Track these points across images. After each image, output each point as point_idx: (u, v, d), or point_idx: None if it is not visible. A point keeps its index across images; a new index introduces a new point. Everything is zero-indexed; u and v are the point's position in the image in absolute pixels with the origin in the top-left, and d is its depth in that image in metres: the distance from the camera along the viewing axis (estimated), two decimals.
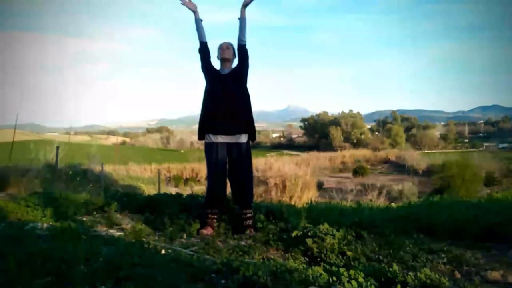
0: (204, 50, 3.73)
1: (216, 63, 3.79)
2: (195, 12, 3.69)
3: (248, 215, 3.67)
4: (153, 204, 4.10)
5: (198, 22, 3.69)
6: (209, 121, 3.66)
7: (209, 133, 3.65)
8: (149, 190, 14.89)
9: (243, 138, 3.66)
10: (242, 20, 3.66)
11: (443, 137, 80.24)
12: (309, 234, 2.93)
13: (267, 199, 14.34)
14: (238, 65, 3.74)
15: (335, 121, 72.61)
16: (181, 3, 3.68)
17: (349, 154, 52.39)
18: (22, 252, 1.95)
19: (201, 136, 3.75)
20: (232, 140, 3.63)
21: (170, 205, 3.94)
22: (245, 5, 3.67)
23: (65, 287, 1.65)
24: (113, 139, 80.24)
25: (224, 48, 3.73)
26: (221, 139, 3.62)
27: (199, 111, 3.78)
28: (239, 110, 3.64)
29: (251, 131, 3.72)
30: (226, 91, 3.62)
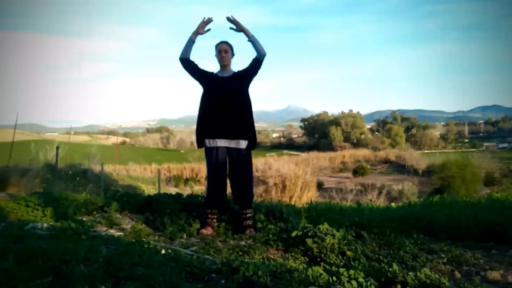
0: (188, 68, 3.69)
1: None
2: (197, 33, 3.66)
3: (248, 215, 3.67)
4: (153, 204, 4.09)
5: (191, 41, 3.67)
6: (208, 125, 3.62)
7: (208, 138, 3.63)
8: (149, 190, 14.89)
9: (243, 144, 3.63)
10: (252, 39, 3.64)
11: (443, 137, 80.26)
12: (309, 234, 2.93)
13: (267, 199, 14.34)
14: (246, 71, 3.69)
15: (335, 121, 72.57)
16: (205, 18, 3.68)
17: (349, 154, 52.37)
18: (22, 251, 1.94)
19: (200, 143, 3.71)
20: (231, 144, 3.61)
21: (170, 205, 3.93)
22: (239, 29, 3.65)
23: (65, 287, 1.65)
24: (113, 139, 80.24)
25: (222, 53, 3.68)
26: (220, 143, 3.60)
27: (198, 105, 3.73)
28: (239, 114, 3.60)
29: (252, 138, 3.68)
30: (226, 94, 3.59)
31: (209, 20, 3.68)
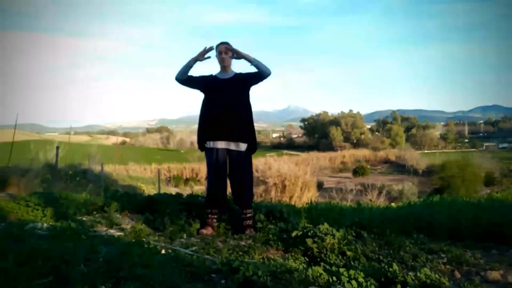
0: (186, 83, 3.71)
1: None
2: (196, 60, 3.65)
3: (248, 215, 3.67)
4: (153, 204, 4.10)
5: (189, 66, 3.66)
6: (208, 127, 3.64)
7: (209, 140, 3.63)
8: (149, 190, 14.89)
9: (243, 146, 3.63)
10: (255, 62, 3.61)
11: (443, 137, 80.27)
12: (309, 234, 2.93)
13: (267, 199, 14.34)
14: (247, 76, 3.69)
15: (335, 121, 72.59)
16: (207, 47, 3.66)
17: (349, 154, 52.41)
18: (22, 251, 1.94)
19: (201, 147, 3.72)
20: (231, 146, 3.61)
21: (170, 205, 3.93)
22: (239, 56, 3.65)
23: (65, 287, 1.65)
24: (113, 139, 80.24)
25: (223, 54, 3.68)
26: (220, 145, 3.60)
27: (199, 111, 3.75)
28: (238, 116, 3.60)
29: (252, 141, 3.67)
30: (226, 96, 3.60)
31: (210, 49, 3.68)
